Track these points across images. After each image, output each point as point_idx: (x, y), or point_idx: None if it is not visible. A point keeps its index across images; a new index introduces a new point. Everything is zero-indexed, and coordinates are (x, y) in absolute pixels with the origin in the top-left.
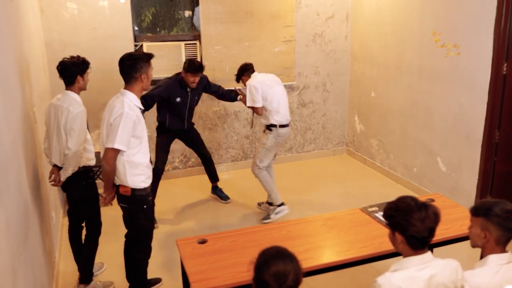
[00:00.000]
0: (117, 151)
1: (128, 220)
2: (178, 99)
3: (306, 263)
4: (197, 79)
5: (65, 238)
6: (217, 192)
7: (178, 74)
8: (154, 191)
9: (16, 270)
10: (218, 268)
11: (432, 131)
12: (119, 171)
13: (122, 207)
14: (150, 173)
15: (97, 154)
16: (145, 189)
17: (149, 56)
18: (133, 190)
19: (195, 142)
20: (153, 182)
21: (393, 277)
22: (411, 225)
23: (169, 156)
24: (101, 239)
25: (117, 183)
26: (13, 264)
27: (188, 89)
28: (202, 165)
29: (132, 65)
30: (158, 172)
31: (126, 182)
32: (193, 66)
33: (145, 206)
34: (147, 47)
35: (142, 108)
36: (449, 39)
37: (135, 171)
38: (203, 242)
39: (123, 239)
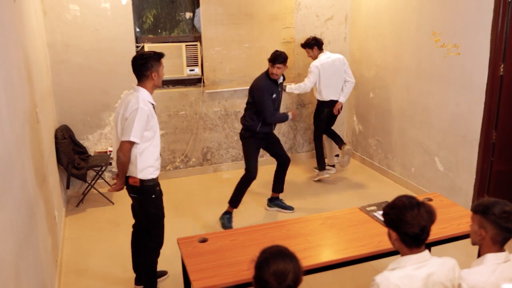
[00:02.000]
0: (132, 144)
1: (138, 210)
2: (274, 95)
3: (306, 262)
4: (277, 70)
5: (67, 237)
6: (279, 203)
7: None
8: (239, 199)
9: (19, 269)
10: (219, 266)
11: (429, 131)
12: (130, 163)
13: (132, 197)
14: (159, 165)
15: (101, 154)
16: (153, 179)
17: (160, 55)
18: (142, 181)
19: (276, 144)
20: (244, 189)
21: (391, 275)
22: (403, 222)
23: (170, 156)
24: (102, 238)
25: (127, 174)
26: (17, 262)
27: (278, 83)
28: (277, 170)
29: (143, 64)
30: (251, 179)
31: (136, 174)
32: (272, 55)
33: (153, 196)
34: (148, 48)
35: (155, 103)
36: (448, 39)
37: (145, 163)
38: (203, 241)
39: (124, 238)
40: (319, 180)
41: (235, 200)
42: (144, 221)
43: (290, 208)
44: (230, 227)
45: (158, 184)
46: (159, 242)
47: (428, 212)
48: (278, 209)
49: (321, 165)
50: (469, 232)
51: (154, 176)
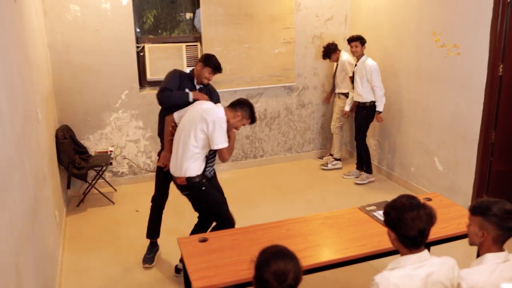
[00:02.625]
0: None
1: (197, 204)
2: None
3: (306, 261)
4: (212, 77)
5: (68, 236)
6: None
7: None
8: (154, 229)
9: (20, 268)
10: (219, 266)
11: (429, 131)
12: (183, 162)
13: (186, 195)
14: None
15: (102, 154)
16: (197, 176)
17: (254, 119)
18: (187, 178)
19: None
20: (153, 220)
21: (390, 275)
22: (403, 224)
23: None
24: (103, 238)
25: (175, 175)
26: (17, 262)
27: (197, 87)
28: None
29: (242, 104)
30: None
31: (185, 173)
32: (215, 62)
33: (203, 188)
34: (148, 48)
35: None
36: (448, 39)
37: (196, 163)
38: (204, 240)
39: (124, 238)
40: (359, 183)
41: (149, 230)
42: (209, 214)
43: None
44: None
45: (203, 177)
46: (231, 225)
47: (428, 215)
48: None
49: (369, 169)
50: (467, 232)
51: (198, 173)
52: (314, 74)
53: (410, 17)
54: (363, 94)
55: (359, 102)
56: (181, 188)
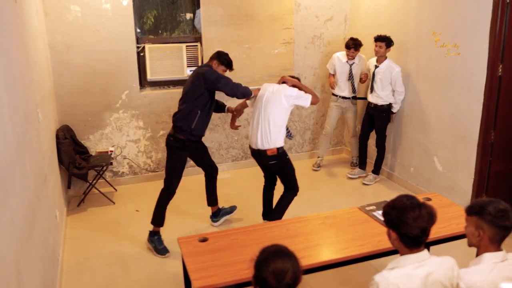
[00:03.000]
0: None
1: (280, 172)
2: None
3: (305, 261)
4: (225, 74)
5: (69, 236)
6: (223, 212)
7: (206, 65)
8: (163, 216)
9: (20, 267)
10: (219, 265)
11: (428, 131)
12: (274, 135)
13: (272, 165)
14: None
15: (102, 153)
16: (282, 146)
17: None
18: (277, 148)
19: (204, 152)
20: (165, 206)
21: (390, 275)
22: (404, 223)
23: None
24: (103, 237)
25: (264, 148)
26: (18, 261)
27: None
28: (206, 181)
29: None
30: (171, 194)
31: (275, 145)
32: (229, 61)
33: (287, 157)
34: (149, 49)
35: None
36: (448, 39)
37: (282, 134)
38: (204, 240)
39: (124, 238)
40: (367, 183)
41: (161, 217)
42: (286, 180)
43: (233, 207)
44: (165, 249)
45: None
46: (297, 190)
47: (429, 214)
48: (225, 217)
49: (379, 171)
50: (465, 233)
51: (283, 144)
52: (314, 74)
53: (409, 17)
54: (384, 97)
55: (375, 105)
56: (269, 158)
